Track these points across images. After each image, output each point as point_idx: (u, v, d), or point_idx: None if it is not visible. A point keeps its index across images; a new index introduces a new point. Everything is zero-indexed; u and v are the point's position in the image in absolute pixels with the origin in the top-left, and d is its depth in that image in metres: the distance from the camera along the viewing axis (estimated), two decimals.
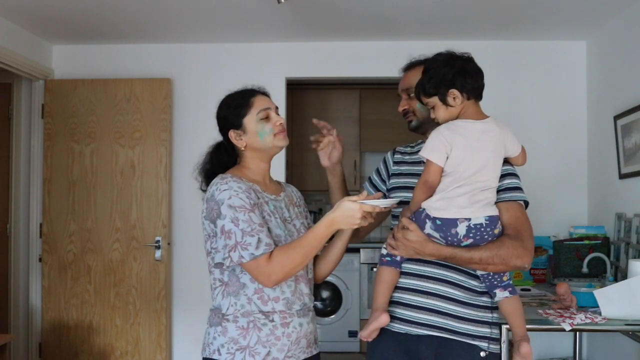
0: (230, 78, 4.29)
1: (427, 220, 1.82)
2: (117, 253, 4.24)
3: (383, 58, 4.29)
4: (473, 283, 1.92)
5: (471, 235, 1.79)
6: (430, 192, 1.83)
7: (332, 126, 2.12)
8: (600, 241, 3.54)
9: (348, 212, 1.75)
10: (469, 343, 1.89)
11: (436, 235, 1.82)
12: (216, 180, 1.89)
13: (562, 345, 4.04)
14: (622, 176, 3.64)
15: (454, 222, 1.79)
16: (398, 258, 1.91)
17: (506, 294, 1.88)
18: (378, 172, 2.20)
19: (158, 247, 4.22)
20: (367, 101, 5.79)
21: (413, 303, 1.92)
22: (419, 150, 2.09)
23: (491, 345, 1.92)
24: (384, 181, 2.16)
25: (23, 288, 4.30)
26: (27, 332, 4.27)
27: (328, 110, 5.84)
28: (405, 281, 1.94)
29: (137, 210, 4.26)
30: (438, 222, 1.80)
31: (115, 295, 4.23)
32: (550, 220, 4.06)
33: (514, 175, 1.94)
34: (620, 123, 3.63)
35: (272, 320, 1.85)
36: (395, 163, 2.14)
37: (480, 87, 1.88)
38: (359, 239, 2.20)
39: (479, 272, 1.89)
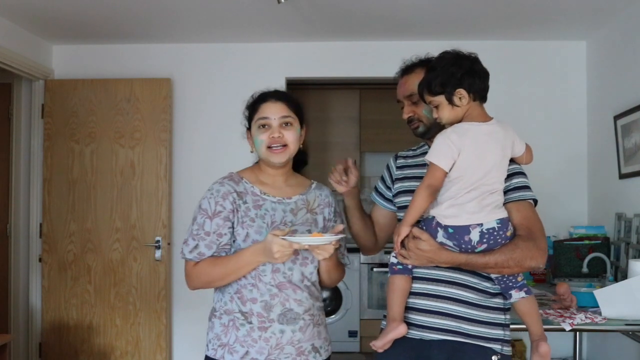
0: (230, 78, 4.32)
1: (439, 229, 1.78)
2: (117, 253, 4.24)
3: (383, 58, 4.28)
4: (486, 285, 1.88)
5: (485, 240, 1.76)
6: (434, 196, 1.79)
7: (346, 160, 2.09)
8: (600, 241, 3.54)
9: (268, 245, 1.73)
10: (483, 346, 1.85)
11: (449, 243, 1.79)
12: None
13: (562, 345, 4.04)
14: (622, 176, 3.64)
15: (466, 229, 1.76)
16: (409, 265, 1.86)
17: (522, 294, 1.85)
18: (383, 179, 2.16)
19: (158, 247, 4.22)
20: (367, 101, 5.78)
21: (427, 308, 1.88)
22: (422, 153, 2.06)
23: (504, 348, 1.88)
24: (389, 188, 2.12)
25: (23, 288, 4.30)
26: (27, 332, 4.27)
27: (328, 110, 5.83)
28: (418, 286, 1.89)
29: (137, 210, 4.25)
30: (450, 230, 1.77)
31: (115, 295, 4.22)
32: (550, 220, 4.00)
33: (521, 174, 1.91)
34: (620, 123, 3.63)
35: (250, 322, 1.85)
36: (399, 168, 2.10)
37: (486, 88, 1.85)
38: (377, 250, 2.18)
39: (493, 275, 1.86)
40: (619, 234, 3.60)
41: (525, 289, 1.86)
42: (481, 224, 1.76)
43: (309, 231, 1.94)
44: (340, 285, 5.30)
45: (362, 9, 3.67)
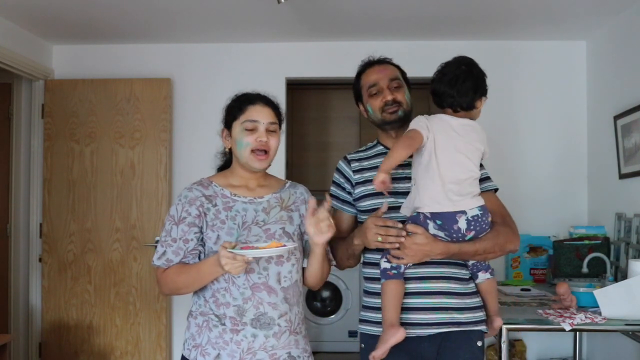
0: (230, 78, 4.32)
1: (429, 221, 1.86)
2: (117, 253, 4.24)
3: None
4: (464, 272, 1.99)
5: (472, 227, 1.86)
6: (412, 150, 1.87)
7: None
8: (600, 241, 3.54)
9: (220, 256, 1.70)
10: (468, 330, 1.95)
11: (441, 234, 1.87)
12: None
13: (562, 345, 4.04)
14: (622, 176, 3.64)
15: (453, 219, 1.84)
16: (402, 269, 1.90)
17: (488, 275, 2.00)
18: (338, 185, 2.13)
19: None
20: None
21: (420, 305, 1.93)
22: (376, 155, 2.10)
23: (484, 327, 2.00)
24: (349, 193, 2.10)
25: (23, 288, 4.30)
26: (27, 332, 4.27)
27: (328, 110, 5.84)
28: (409, 285, 1.94)
29: (137, 210, 4.25)
30: (438, 221, 1.85)
31: (115, 295, 4.23)
32: (550, 220, 4.06)
33: (482, 166, 2.03)
34: (620, 123, 3.63)
35: (223, 324, 1.84)
36: (356, 172, 2.10)
37: (442, 96, 1.94)
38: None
39: (470, 262, 1.97)
40: (619, 234, 3.60)
41: (490, 269, 2.02)
42: (465, 212, 1.85)
43: (283, 229, 1.91)
44: (340, 285, 5.30)
45: (362, 9, 3.67)
